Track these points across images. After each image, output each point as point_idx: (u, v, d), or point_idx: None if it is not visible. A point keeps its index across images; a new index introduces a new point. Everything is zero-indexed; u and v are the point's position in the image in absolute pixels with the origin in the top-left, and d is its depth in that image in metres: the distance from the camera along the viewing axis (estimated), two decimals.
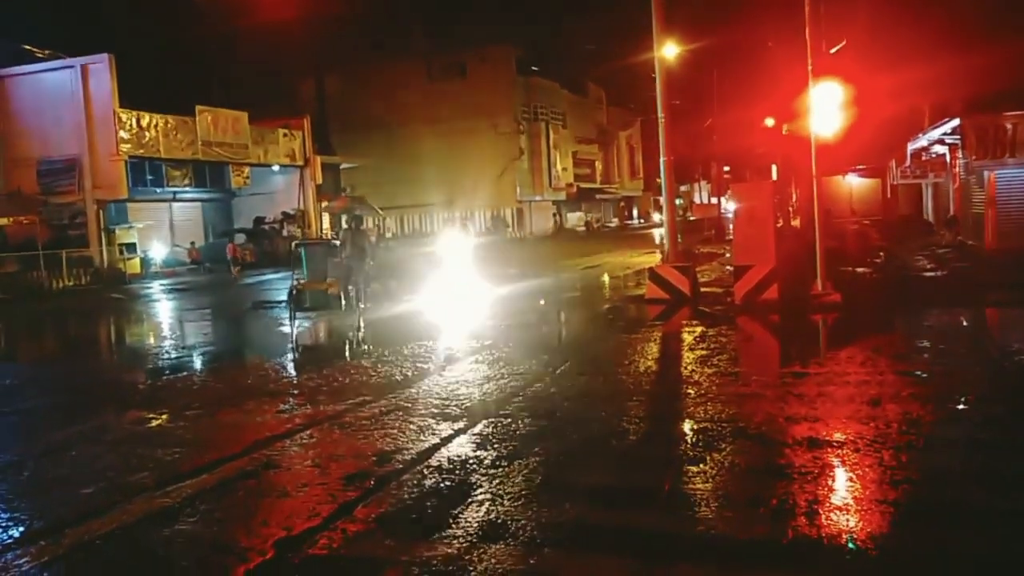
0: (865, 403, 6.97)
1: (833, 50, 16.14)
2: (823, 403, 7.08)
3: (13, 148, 30.40)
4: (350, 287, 14.33)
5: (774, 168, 38.05)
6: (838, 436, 6.08)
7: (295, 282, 14.09)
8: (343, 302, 13.97)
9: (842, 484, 5.23)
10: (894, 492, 4.96)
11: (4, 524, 5.16)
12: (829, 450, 5.79)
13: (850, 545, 4.26)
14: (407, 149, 52.41)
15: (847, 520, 4.58)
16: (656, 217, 69.15)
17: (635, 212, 77.82)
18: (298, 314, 14.04)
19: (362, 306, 14.74)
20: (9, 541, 4.87)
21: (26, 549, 4.71)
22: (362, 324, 13.86)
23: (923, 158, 24.68)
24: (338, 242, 15.61)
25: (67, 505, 5.46)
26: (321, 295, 13.94)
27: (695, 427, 6.57)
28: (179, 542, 4.72)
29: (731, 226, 17.20)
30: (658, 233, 36.08)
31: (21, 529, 5.08)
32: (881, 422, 6.34)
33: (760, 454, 5.85)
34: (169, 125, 31.29)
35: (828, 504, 4.84)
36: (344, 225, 14.14)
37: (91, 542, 4.79)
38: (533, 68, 56.54)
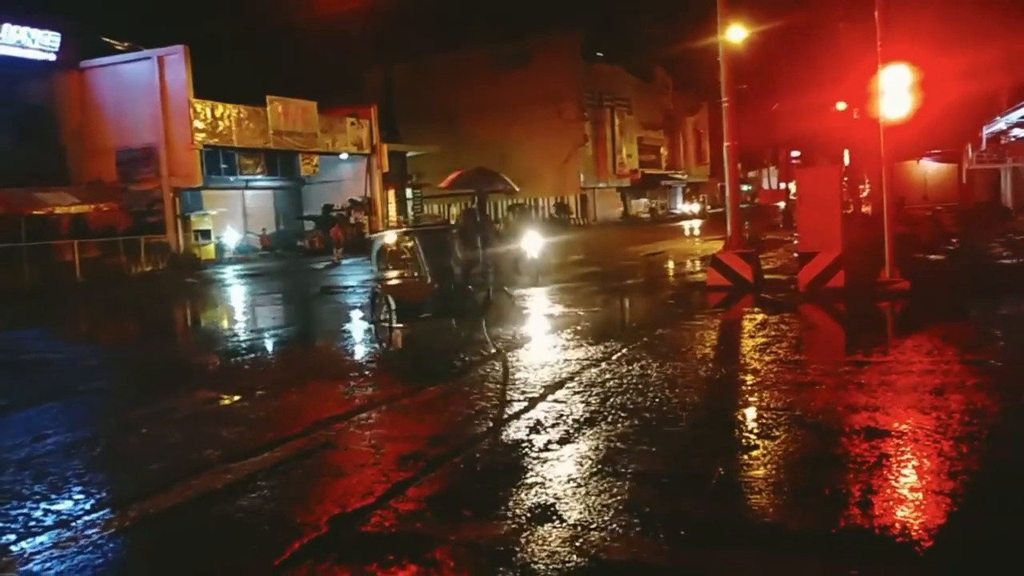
0: (928, 392, 6.80)
1: None
2: (884, 392, 6.93)
3: (93, 138, 31.54)
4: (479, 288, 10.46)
5: (846, 154, 37.09)
6: (897, 426, 5.95)
7: (376, 286, 11.20)
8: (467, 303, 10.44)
9: (899, 475, 5.12)
10: (952, 484, 4.84)
11: (75, 496, 5.43)
12: (887, 440, 5.68)
13: (904, 537, 4.19)
14: (471, 136, 52.61)
15: (902, 511, 4.49)
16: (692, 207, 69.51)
17: (703, 198, 76.77)
18: (394, 323, 10.30)
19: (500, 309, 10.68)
20: (79, 512, 5.11)
21: (95, 520, 4.95)
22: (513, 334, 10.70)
23: (1001, 142, 23.76)
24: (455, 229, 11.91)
25: (135, 480, 5.71)
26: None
27: (751, 415, 6.50)
28: (239, 517, 4.90)
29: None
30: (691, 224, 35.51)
31: (92, 502, 5.33)
32: (943, 412, 6.18)
33: (816, 443, 5.77)
34: (241, 115, 32.07)
35: (883, 495, 4.75)
36: (470, 206, 11.04)
37: (156, 515, 5.01)
38: (598, 54, 56.11)
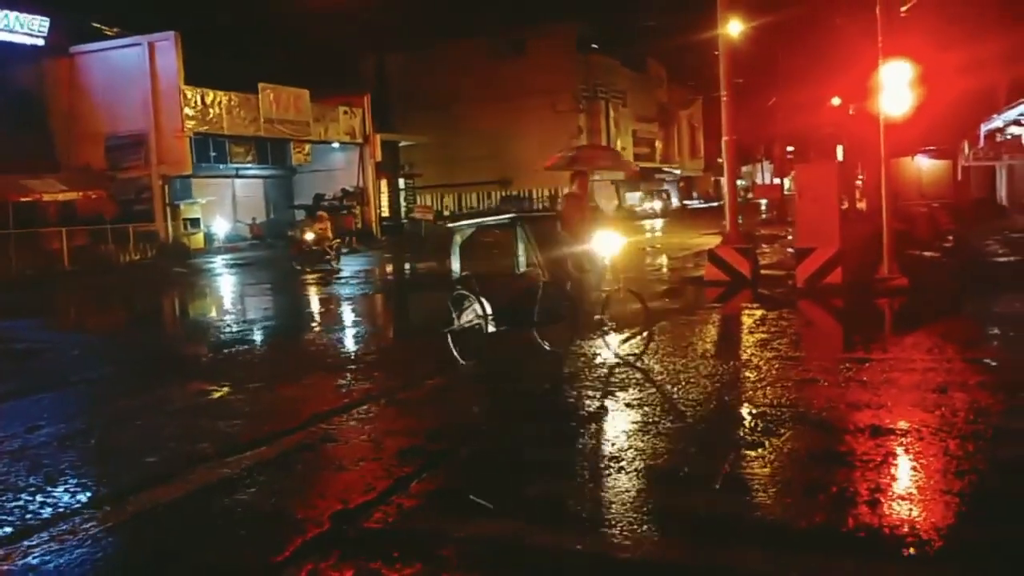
0: (931, 391, 6.76)
1: (904, 9, 15.51)
2: (887, 390, 6.89)
3: (82, 124, 31.22)
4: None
5: (839, 149, 37.14)
6: (902, 424, 5.92)
7: (463, 285, 8.71)
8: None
9: (905, 473, 5.09)
10: (959, 483, 4.80)
11: (72, 490, 5.33)
12: (892, 438, 5.64)
13: (911, 535, 4.15)
14: (465, 127, 52.42)
15: (909, 510, 4.45)
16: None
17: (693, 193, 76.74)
18: (488, 329, 8.39)
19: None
20: (77, 506, 5.02)
21: (92, 514, 4.86)
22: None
23: (997, 139, 23.80)
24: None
25: (131, 473, 5.61)
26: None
27: (754, 412, 6.45)
28: (238, 512, 4.81)
29: (794, 207, 16.85)
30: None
31: (88, 495, 5.24)
32: (947, 410, 6.15)
33: (820, 440, 5.73)
34: (232, 102, 31.80)
35: (889, 493, 4.71)
36: (572, 190, 9.14)
37: (154, 509, 4.92)
38: (593, 46, 55.95)
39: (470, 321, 8.43)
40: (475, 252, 9.62)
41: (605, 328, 8.86)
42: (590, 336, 9.11)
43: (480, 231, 9.42)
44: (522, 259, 9.10)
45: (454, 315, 8.64)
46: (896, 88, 12.84)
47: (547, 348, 8.78)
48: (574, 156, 10.33)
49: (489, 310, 8.32)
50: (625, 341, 9.31)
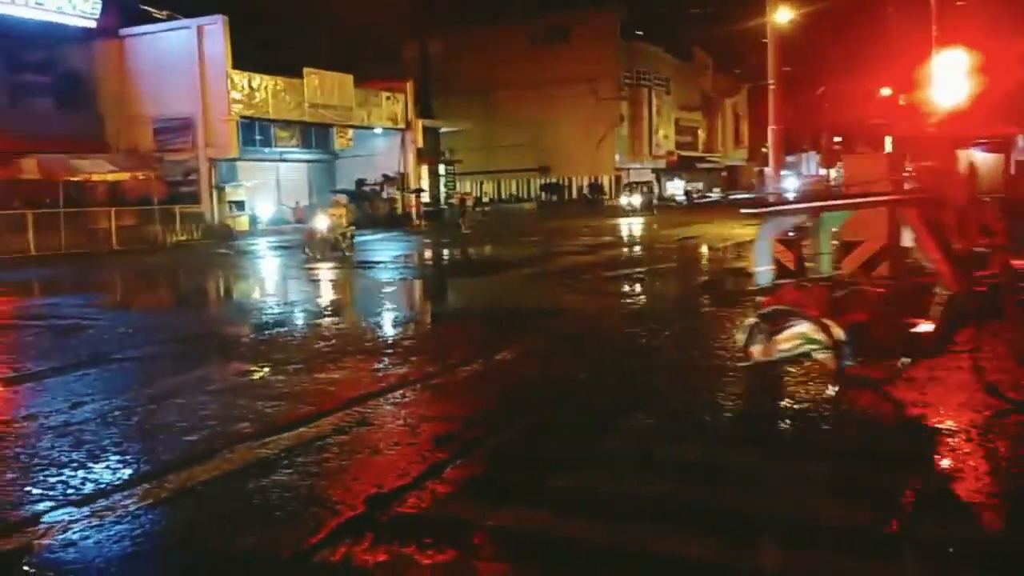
0: (981, 390, 6.58)
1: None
2: (933, 388, 6.71)
3: (131, 106, 31.72)
4: None
5: (888, 140, 36.41)
6: (949, 423, 5.77)
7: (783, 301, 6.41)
8: None
9: (951, 474, 4.96)
10: (1007, 485, 4.68)
11: (113, 466, 5.41)
12: (938, 438, 5.50)
13: (958, 541, 4.03)
14: (506, 114, 52.40)
15: (954, 512, 4.34)
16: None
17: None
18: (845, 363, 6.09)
19: None
20: (118, 483, 5.09)
21: (132, 491, 4.92)
22: None
23: None
24: None
25: (172, 451, 5.68)
26: None
27: (794, 408, 6.34)
28: (275, 492, 4.84)
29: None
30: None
31: (129, 472, 5.31)
32: (997, 411, 5.98)
33: (863, 439, 5.61)
34: (278, 87, 32.08)
35: (934, 494, 4.60)
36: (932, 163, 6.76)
37: (193, 487, 4.97)
38: (637, 32, 55.48)
39: (790, 349, 6.16)
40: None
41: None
42: None
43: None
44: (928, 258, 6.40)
45: (755, 338, 6.36)
46: (949, 78, 12.51)
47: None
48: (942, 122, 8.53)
49: (841, 334, 5.96)
50: None
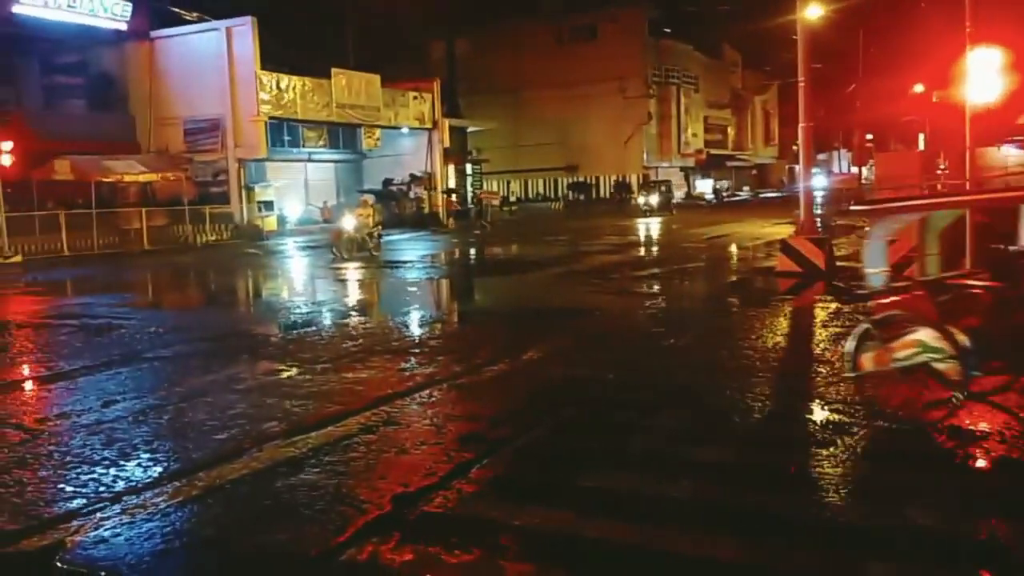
0: (1017, 391, 6.46)
1: None
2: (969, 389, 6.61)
3: (162, 107, 32.05)
4: None
5: (921, 137, 35.92)
6: (984, 426, 5.67)
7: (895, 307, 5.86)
8: None
9: (988, 477, 4.88)
10: None
11: (145, 464, 5.48)
12: (974, 440, 5.42)
13: (993, 544, 3.96)
14: (532, 112, 52.33)
15: (992, 515, 4.26)
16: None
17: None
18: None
19: None
20: (149, 480, 5.15)
21: (163, 489, 4.98)
22: None
23: None
24: None
25: (202, 449, 5.74)
26: None
27: (826, 408, 6.27)
28: (303, 491, 4.87)
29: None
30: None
31: (160, 470, 5.37)
32: None
33: (897, 441, 5.53)
34: (306, 87, 32.26)
35: (971, 498, 4.52)
36: None
37: (222, 486, 5.01)
38: (666, 30, 55.15)
39: (907, 358, 5.56)
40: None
41: None
42: None
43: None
44: None
45: (866, 346, 5.82)
46: (984, 75, 12.29)
47: None
48: None
49: (966, 341, 5.36)
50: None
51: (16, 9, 27.06)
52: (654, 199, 41.02)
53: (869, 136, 47.34)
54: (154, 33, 32.24)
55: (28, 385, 8.41)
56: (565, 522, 4.31)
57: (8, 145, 23.26)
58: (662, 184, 45.31)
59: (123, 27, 30.93)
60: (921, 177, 13.23)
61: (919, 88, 30.65)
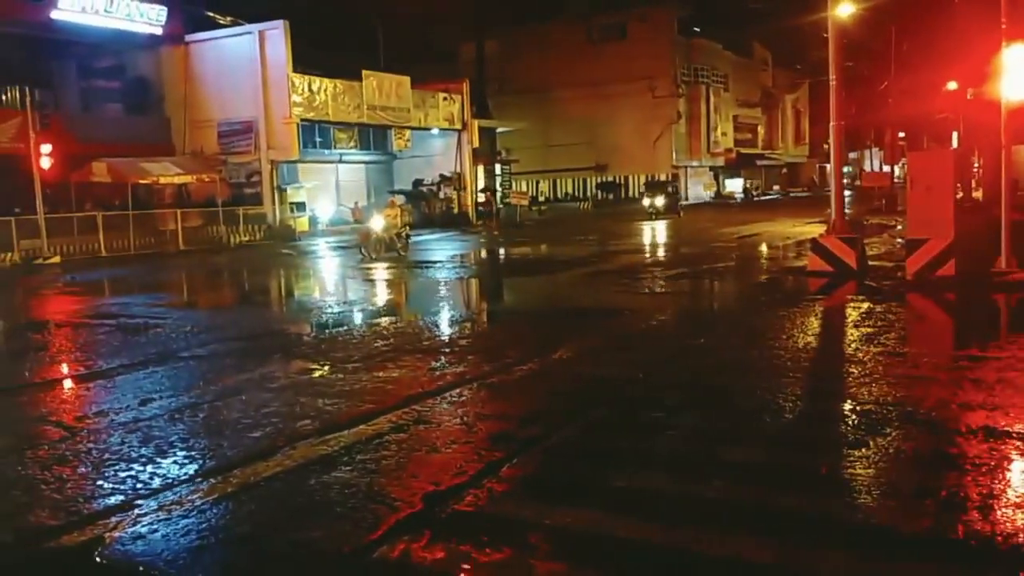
0: None
1: None
2: (1003, 390, 6.53)
3: (196, 110, 32.49)
4: None
5: (955, 135, 35.40)
6: (1019, 427, 5.61)
7: None
8: None
9: (1021, 479, 4.82)
10: None
11: (180, 461, 5.58)
12: (1008, 441, 5.35)
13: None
14: (562, 112, 52.30)
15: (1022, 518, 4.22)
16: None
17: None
18: None
19: None
20: (184, 477, 5.25)
21: (198, 486, 5.07)
22: None
23: None
24: None
25: (236, 447, 5.83)
26: None
27: (857, 409, 6.22)
28: (336, 488, 4.94)
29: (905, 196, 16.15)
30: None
31: (195, 467, 5.47)
32: None
33: (929, 442, 5.48)
34: (337, 89, 32.53)
35: (1005, 500, 4.47)
36: None
37: (257, 483, 5.09)
38: (695, 29, 54.84)
39: None
40: None
41: None
42: None
43: None
44: None
45: None
46: (1020, 72, 12.11)
47: None
48: None
49: None
50: None
51: (55, 15, 27.59)
52: (660, 201, 38.28)
53: (901, 134, 46.71)
54: (188, 37, 32.67)
55: (67, 383, 8.59)
56: (595, 522, 4.33)
57: (48, 148, 23.68)
58: (668, 184, 42.93)
59: (158, 31, 31.39)
60: (954, 176, 13.04)
61: (952, 85, 30.22)
